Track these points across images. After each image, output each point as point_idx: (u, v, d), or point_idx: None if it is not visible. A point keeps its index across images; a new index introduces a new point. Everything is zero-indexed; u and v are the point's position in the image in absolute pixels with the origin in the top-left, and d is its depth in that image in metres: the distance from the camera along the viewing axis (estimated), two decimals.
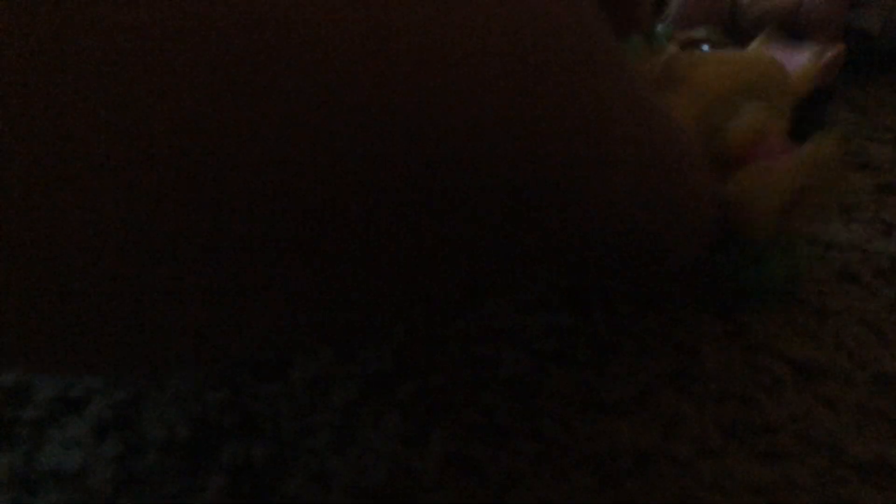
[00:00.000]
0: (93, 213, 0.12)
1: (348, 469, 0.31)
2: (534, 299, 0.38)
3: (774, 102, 0.34)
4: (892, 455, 0.32)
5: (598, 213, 0.18)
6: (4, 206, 0.12)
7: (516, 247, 0.17)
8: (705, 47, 0.39)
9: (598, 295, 0.38)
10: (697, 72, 0.33)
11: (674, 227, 0.23)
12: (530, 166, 0.14)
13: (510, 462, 0.31)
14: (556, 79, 0.14)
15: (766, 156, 0.32)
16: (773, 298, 0.37)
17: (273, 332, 0.16)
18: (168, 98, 0.12)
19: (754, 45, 0.40)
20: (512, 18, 0.13)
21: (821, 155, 0.33)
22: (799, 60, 0.40)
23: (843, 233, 0.42)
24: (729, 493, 0.31)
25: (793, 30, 0.48)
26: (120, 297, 0.14)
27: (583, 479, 0.31)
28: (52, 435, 0.32)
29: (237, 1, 0.11)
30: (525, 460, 0.31)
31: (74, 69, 0.11)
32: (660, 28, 0.36)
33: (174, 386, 0.33)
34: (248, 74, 0.12)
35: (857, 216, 0.43)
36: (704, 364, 0.35)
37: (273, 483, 0.30)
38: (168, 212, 0.13)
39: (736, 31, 0.50)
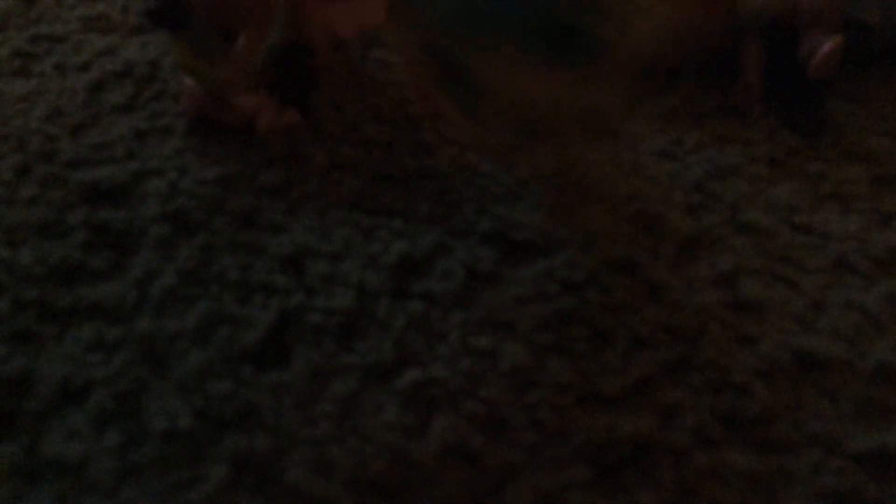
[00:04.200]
0: None
1: (348, 459, 0.31)
2: (532, 290, 0.38)
3: None
4: (892, 445, 0.32)
5: None
6: None
7: None
8: None
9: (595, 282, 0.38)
10: None
11: None
12: None
13: (508, 452, 0.31)
14: None
15: None
16: None
17: None
18: None
19: None
20: None
21: None
22: None
23: (840, 223, 0.42)
24: (726, 483, 0.31)
25: (791, 23, 0.48)
26: None
27: (580, 469, 0.31)
28: (53, 425, 0.32)
29: None
30: (523, 451, 0.31)
31: None
32: None
33: (176, 377, 0.33)
34: None
35: (855, 207, 0.43)
36: (702, 354, 0.35)
37: (274, 473, 0.31)
38: None
39: (733, 26, 0.50)
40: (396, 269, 0.39)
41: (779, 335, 0.36)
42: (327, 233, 0.40)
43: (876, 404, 0.34)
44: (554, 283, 0.38)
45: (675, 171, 0.45)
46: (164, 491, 0.30)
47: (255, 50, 0.46)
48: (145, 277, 0.38)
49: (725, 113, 0.50)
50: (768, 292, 0.38)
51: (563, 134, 0.36)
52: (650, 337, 0.36)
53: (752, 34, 0.50)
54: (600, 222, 0.38)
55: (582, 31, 0.34)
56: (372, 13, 0.49)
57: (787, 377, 0.35)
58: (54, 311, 0.36)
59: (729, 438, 0.32)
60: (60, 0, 0.58)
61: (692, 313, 0.37)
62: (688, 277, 0.39)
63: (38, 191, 0.42)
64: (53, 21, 0.56)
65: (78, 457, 0.31)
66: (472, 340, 0.35)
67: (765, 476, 0.31)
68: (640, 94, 0.51)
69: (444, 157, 0.45)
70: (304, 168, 0.44)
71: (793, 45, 0.48)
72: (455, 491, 0.30)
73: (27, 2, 0.58)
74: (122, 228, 0.40)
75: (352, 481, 0.30)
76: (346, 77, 0.51)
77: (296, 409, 0.33)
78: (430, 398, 0.33)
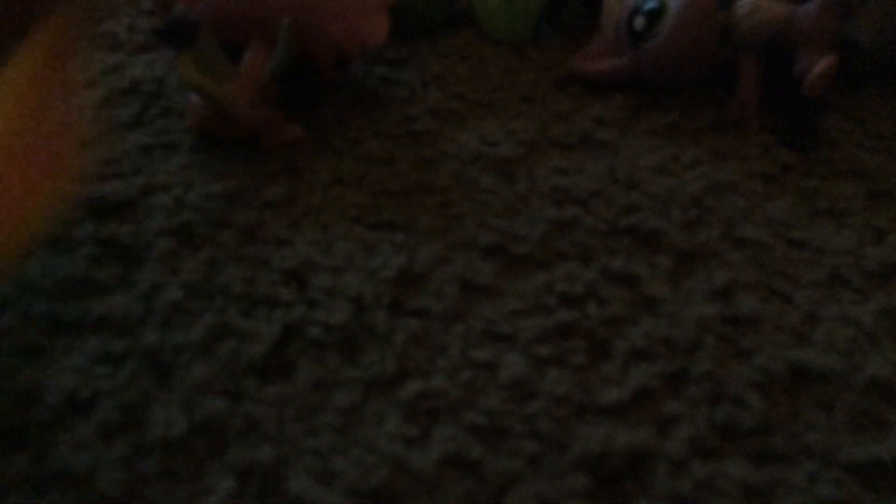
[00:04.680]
0: None
1: (350, 468, 0.31)
2: (532, 303, 0.38)
3: None
4: (886, 457, 0.32)
5: None
6: None
7: None
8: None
9: (593, 294, 0.39)
10: None
11: None
12: None
13: (508, 462, 0.32)
14: None
15: None
16: None
17: None
18: None
19: None
20: None
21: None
22: None
23: (834, 238, 0.43)
24: (722, 493, 0.31)
25: (786, 41, 0.49)
26: None
27: (579, 479, 0.31)
28: (61, 437, 0.32)
29: None
30: (523, 460, 0.32)
31: None
32: None
33: (181, 389, 0.34)
34: None
35: (849, 222, 0.44)
36: (699, 366, 0.36)
37: (277, 482, 0.31)
38: None
39: (729, 44, 0.50)
40: (397, 283, 0.39)
41: (774, 348, 0.37)
42: (329, 246, 0.41)
43: (870, 416, 0.34)
44: (553, 295, 0.39)
45: (673, 186, 0.45)
46: (170, 501, 0.30)
47: (260, 66, 0.47)
48: (151, 291, 0.38)
49: (722, 129, 0.50)
50: (764, 306, 0.39)
51: None
52: (648, 349, 0.36)
53: (748, 51, 0.51)
54: None
55: None
56: (375, 32, 0.50)
57: (782, 389, 0.35)
58: (62, 325, 0.37)
59: (725, 449, 0.33)
60: None
61: (689, 326, 0.37)
62: (685, 291, 0.39)
63: None
64: None
65: (85, 468, 0.31)
66: (472, 352, 0.36)
67: (761, 486, 0.31)
68: (638, 109, 0.51)
69: (445, 171, 0.46)
70: (307, 183, 0.45)
71: (788, 63, 0.49)
72: (455, 499, 0.31)
73: None
74: (128, 242, 0.41)
75: (353, 490, 0.31)
76: (350, 93, 0.52)
77: (299, 421, 0.33)
78: (431, 409, 0.34)
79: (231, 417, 0.33)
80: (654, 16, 0.50)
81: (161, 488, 0.31)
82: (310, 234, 0.42)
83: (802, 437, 0.33)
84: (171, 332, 0.36)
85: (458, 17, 0.60)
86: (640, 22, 0.51)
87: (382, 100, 0.52)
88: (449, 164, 0.47)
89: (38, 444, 0.32)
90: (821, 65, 0.46)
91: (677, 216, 0.43)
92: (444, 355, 0.36)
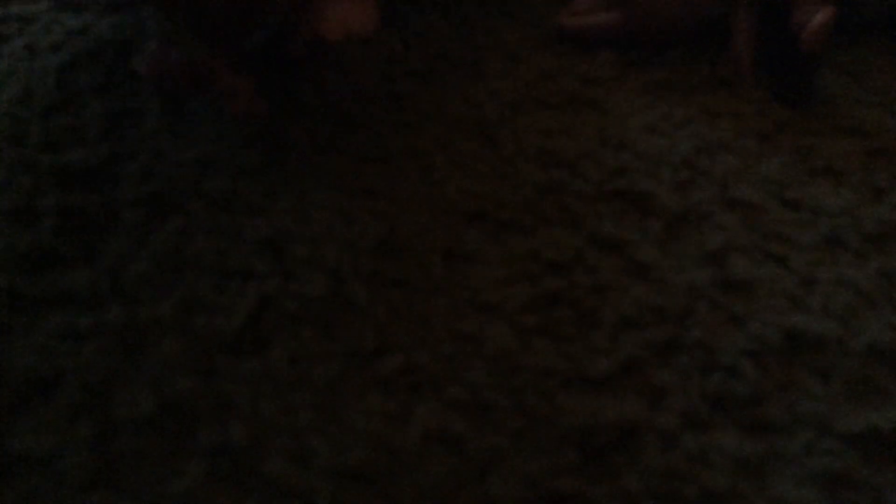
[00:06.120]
0: None
1: (329, 448, 0.30)
2: (518, 271, 0.37)
3: None
4: (885, 426, 0.32)
5: None
6: None
7: None
8: None
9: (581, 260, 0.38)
10: None
11: None
12: None
13: (493, 438, 0.31)
14: None
15: None
16: None
17: None
18: None
19: None
20: None
21: None
22: None
23: (831, 198, 0.41)
24: (715, 466, 0.30)
25: None
26: None
27: (567, 454, 0.30)
28: (23, 419, 0.31)
29: None
30: (508, 436, 0.31)
31: None
32: None
33: (150, 366, 0.33)
34: None
35: (847, 181, 0.42)
36: (690, 334, 0.34)
37: (252, 464, 0.30)
38: None
39: None
40: (377, 252, 0.38)
41: (769, 314, 0.36)
42: (307, 215, 0.40)
43: (868, 384, 0.33)
44: (539, 262, 0.38)
45: (664, 146, 0.44)
46: (140, 484, 0.29)
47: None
48: (118, 263, 0.37)
49: (715, 86, 0.49)
50: (758, 270, 0.37)
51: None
52: (637, 317, 0.35)
53: (742, 4, 0.49)
54: None
55: None
56: (363, 22, 0.48)
57: (777, 357, 0.34)
58: (23, 300, 0.35)
59: (718, 420, 0.32)
60: None
61: (680, 292, 0.36)
62: (676, 256, 0.38)
63: (6, 175, 0.41)
64: (24, 1, 0.54)
65: (49, 451, 0.30)
66: (455, 324, 0.35)
67: (755, 458, 0.31)
68: (628, 67, 0.50)
69: (427, 135, 0.45)
70: (283, 148, 0.43)
71: (784, 17, 0.48)
72: (438, 478, 0.30)
73: None
74: (94, 213, 0.39)
75: (331, 470, 0.30)
76: (328, 56, 0.50)
77: (274, 399, 0.32)
78: (413, 384, 0.33)
79: (203, 396, 0.32)
80: None
81: (130, 471, 0.30)
82: (286, 203, 0.40)
83: (798, 406, 0.32)
84: (139, 307, 0.35)
85: None
86: None
87: (361, 60, 0.50)
88: (431, 128, 0.45)
89: None
90: (819, 18, 0.45)
91: (668, 177, 0.42)
92: (427, 327, 0.35)
